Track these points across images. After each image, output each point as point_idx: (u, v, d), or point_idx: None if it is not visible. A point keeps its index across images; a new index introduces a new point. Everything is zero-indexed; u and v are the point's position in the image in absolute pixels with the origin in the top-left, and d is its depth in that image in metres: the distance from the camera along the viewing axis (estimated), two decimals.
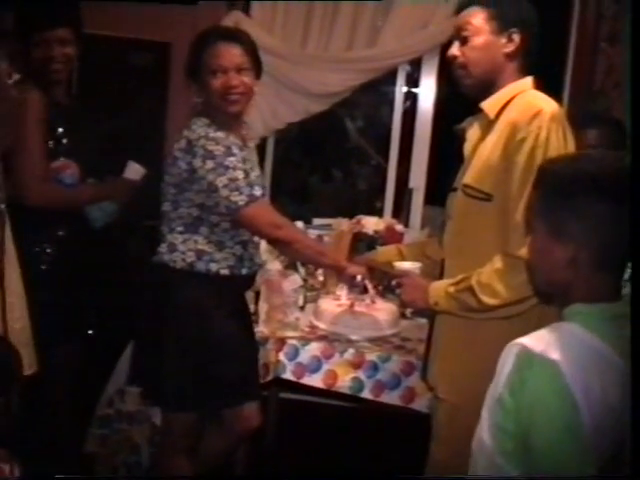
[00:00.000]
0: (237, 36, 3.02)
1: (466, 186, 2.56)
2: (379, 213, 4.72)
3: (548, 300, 2.12)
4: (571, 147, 2.45)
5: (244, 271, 3.04)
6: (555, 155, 2.28)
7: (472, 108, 2.68)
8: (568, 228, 1.73)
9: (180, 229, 2.96)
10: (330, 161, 6.05)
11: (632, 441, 1.56)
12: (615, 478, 1.70)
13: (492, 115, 2.57)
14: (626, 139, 3.52)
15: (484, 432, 1.76)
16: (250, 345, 3.19)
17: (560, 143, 2.41)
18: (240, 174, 2.87)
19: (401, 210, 4.69)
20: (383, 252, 3.20)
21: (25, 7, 3.28)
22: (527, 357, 1.66)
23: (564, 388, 1.60)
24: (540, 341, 1.68)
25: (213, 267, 2.96)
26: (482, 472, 1.76)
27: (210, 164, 2.85)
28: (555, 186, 1.76)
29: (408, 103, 4.74)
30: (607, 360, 1.66)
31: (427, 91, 4.67)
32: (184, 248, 2.95)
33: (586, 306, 1.74)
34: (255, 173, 3.03)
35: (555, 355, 1.62)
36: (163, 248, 2.99)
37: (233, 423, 3.16)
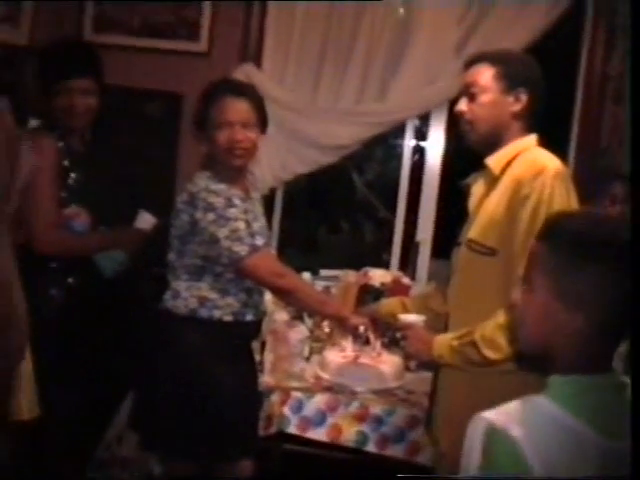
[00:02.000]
0: (244, 91, 3.06)
1: (471, 241, 2.59)
2: (386, 266, 4.72)
3: (529, 366, 2.09)
4: (574, 204, 2.48)
5: (248, 317, 3.04)
6: None
7: (479, 163, 2.71)
8: (580, 294, 1.55)
9: (185, 277, 2.98)
10: (338, 213, 6.10)
11: (632, 441, 1.53)
12: (615, 478, 1.64)
13: (497, 171, 2.60)
14: None
15: None
16: (251, 398, 3.17)
17: (564, 200, 2.44)
18: (241, 225, 2.91)
19: (408, 263, 4.70)
20: (387, 304, 3.20)
21: (50, 56, 3.34)
22: (491, 432, 1.54)
23: (524, 467, 1.47)
24: (504, 416, 1.55)
25: (216, 314, 2.97)
26: None
27: (211, 216, 2.88)
28: (574, 245, 1.57)
29: (416, 157, 4.77)
30: (579, 437, 1.51)
31: (435, 145, 4.70)
32: (187, 295, 2.97)
33: (562, 378, 1.59)
34: (258, 223, 3.06)
35: (517, 432, 1.50)
36: (167, 295, 3.01)
37: (225, 477, 3.15)
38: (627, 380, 1.63)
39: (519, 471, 1.48)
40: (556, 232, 1.62)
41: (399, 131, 4.75)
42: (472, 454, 1.59)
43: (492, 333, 2.46)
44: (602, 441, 1.52)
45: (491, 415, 1.56)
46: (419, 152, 4.78)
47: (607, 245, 1.55)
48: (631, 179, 1.66)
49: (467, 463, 1.61)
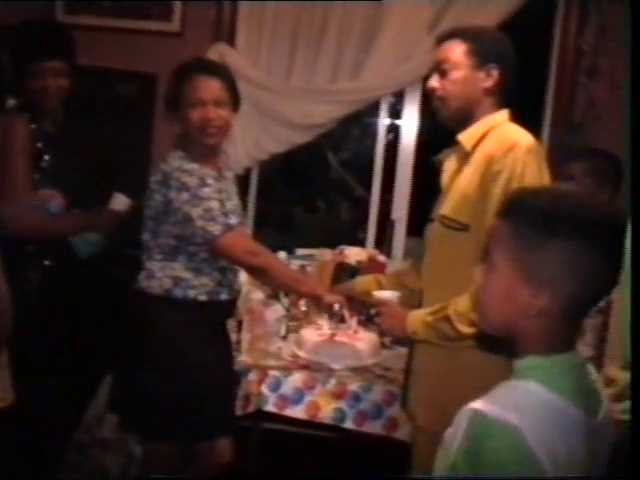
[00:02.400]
0: (217, 70, 3.07)
1: (443, 217, 2.60)
2: (362, 244, 4.74)
3: (490, 346, 2.06)
4: (546, 180, 2.49)
5: (223, 297, 3.05)
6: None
7: (453, 139, 2.72)
8: (545, 273, 1.50)
9: (159, 257, 2.98)
10: (313, 192, 6.09)
11: (632, 441, 1.55)
12: (615, 478, 1.67)
13: (468, 147, 2.61)
14: (620, 173, 3.56)
15: None
16: (227, 376, 3.19)
17: (535, 176, 2.44)
18: (215, 204, 2.91)
19: (384, 241, 4.71)
20: (361, 282, 3.20)
21: (21, 37, 3.32)
22: (484, 423, 1.45)
23: (527, 454, 1.42)
24: (496, 404, 1.47)
25: (191, 293, 2.98)
26: None
27: (185, 196, 2.88)
28: (537, 222, 1.51)
29: (391, 135, 4.78)
30: (570, 417, 1.50)
31: (409, 123, 4.71)
32: (161, 275, 2.98)
33: (542, 360, 1.54)
34: (232, 203, 3.07)
35: (514, 419, 1.43)
36: (142, 275, 3.01)
37: (205, 456, 3.17)
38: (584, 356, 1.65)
39: (524, 460, 1.42)
40: (518, 209, 1.56)
41: (374, 109, 4.75)
42: (454, 444, 1.51)
43: (465, 308, 2.47)
44: (585, 418, 1.52)
45: (480, 405, 1.49)
46: (394, 130, 4.79)
47: (569, 220, 1.49)
48: (631, 179, 1.64)
49: (447, 452, 1.54)
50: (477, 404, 1.49)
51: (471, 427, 1.47)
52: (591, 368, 1.65)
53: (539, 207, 1.53)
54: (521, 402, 1.48)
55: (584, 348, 2.95)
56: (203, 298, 3.00)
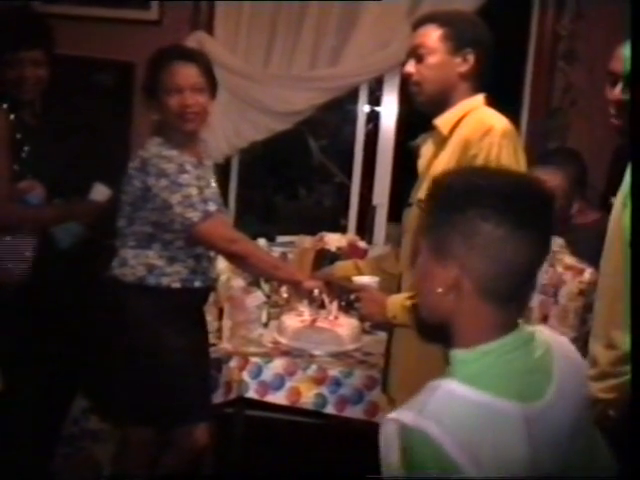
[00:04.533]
0: (193, 56, 3.07)
1: (420, 201, 2.60)
2: (343, 230, 4.75)
3: (430, 336, 2.02)
4: (522, 163, 2.50)
5: (197, 284, 3.06)
6: None
7: (431, 124, 2.72)
8: (452, 247, 1.52)
9: (132, 244, 2.99)
10: (294, 179, 6.09)
11: (632, 441, 1.55)
12: (615, 478, 1.66)
13: (445, 132, 2.61)
14: (585, 172, 3.60)
15: None
16: (202, 362, 3.20)
17: (511, 160, 2.45)
18: (194, 191, 2.92)
19: (365, 227, 4.73)
20: (341, 267, 3.20)
21: None
22: (406, 434, 1.44)
23: (443, 458, 1.39)
24: (413, 411, 1.45)
25: (164, 281, 2.99)
26: None
27: (163, 182, 2.89)
28: (444, 199, 1.55)
29: (371, 121, 4.79)
30: (499, 414, 1.46)
31: (389, 109, 4.71)
32: (135, 262, 2.98)
33: (468, 353, 1.53)
34: (210, 190, 3.07)
35: (427, 425, 1.41)
36: (115, 262, 3.02)
37: (182, 442, 3.17)
38: (532, 329, 1.61)
39: (441, 464, 1.40)
40: (433, 191, 1.61)
41: (353, 96, 4.74)
42: (390, 457, 1.48)
43: None
44: (523, 407, 1.48)
45: (398, 414, 1.48)
46: (373, 117, 4.79)
47: (472, 191, 1.52)
48: (632, 178, 1.65)
49: (387, 467, 1.51)
50: (395, 414, 1.48)
51: (399, 440, 1.45)
52: (540, 339, 1.61)
53: (448, 184, 1.57)
54: (440, 406, 1.46)
55: (566, 330, 2.98)
56: (177, 285, 3.01)
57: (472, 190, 1.52)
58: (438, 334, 1.63)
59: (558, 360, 1.61)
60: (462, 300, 1.52)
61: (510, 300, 1.55)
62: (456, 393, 1.47)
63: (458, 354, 1.55)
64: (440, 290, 1.54)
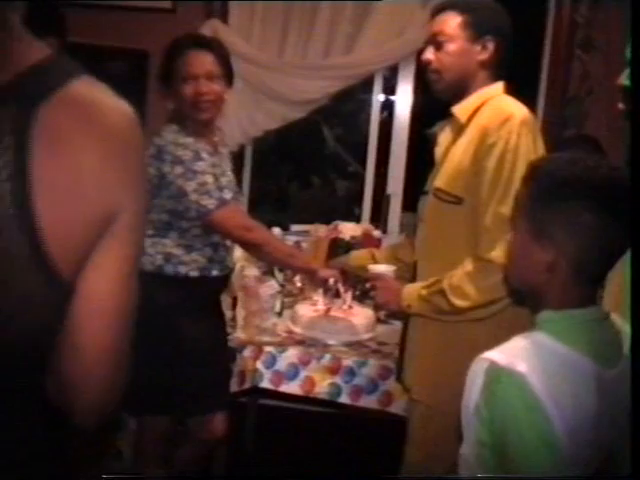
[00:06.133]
0: (209, 44, 3.04)
1: (437, 189, 2.59)
2: (357, 219, 4.73)
3: (520, 301, 2.13)
4: (541, 152, 2.48)
5: (214, 273, 3.04)
6: (525, 160, 2.29)
7: (447, 113, 2.70)
8: (552, 232, 1.65)
9: (150, 233, 2.96)
10: (308, 168, 6.08)
11: (632, 441, 1.54)
12: (615, 478, 1.68)
13: (463, 119, 2.59)
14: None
15: (465, 448, 1.70)
16: (220, 351, 3.19)
17: (530, 148, 2.43)
18: (209, 178, 2.90)
19: (379, 216, 4.71)
20: (356, 256, 3.20)
21: None
22: (495, 371, 1.58)
23: (533, 400, 1.53)
24: (507, 354, 1.61)
25: (182, 270, 2.97)
26: None
27: (179, 169, 2.87)
28: (546, 186, 1.67)
29: (385, 110, 4.76)
30: (579, 368, 1.60)
31: (404, 98, 4.68)
32: (153, 251, 2.96)
33: (555, 313, 1.67)
34: (226, 178, 3.05)
35: (522, 367, 1.55)
36: None
37: (198, 432, 3.18)
38: (608, 311, 1.76)
39: (529, 406, 1.54)
40: (534, 175, 1.71)
41: (368, 85, 4.72)
42: (472, 394, 1.64)
43: (460, 281, 2.47)
44: (598, 369, 1.62)
45: (492, 354, 1.62)
46: (388, 105, 4.77)
47: (572, 183, 1.63)
48: (631, 179, 1.66)
49: (467, 403, 1.66)
50: (491, 354, 1.62)
51: (486, 376, 1.60)
52: (616, 323, 1.75)
53: (551, 172, 1.68)
54: (529, 351, 1.61)
55: None
56: (194, 274, 2.99)
57: (574, 182, 1.63)
58: (526, 299, 1.87)
59: (625, 345, 1.72)
60: (555, 277, 1.67)
61: (597, 280, 1.73)
62: (543, 343, 1.64)
63: (545, 314, 1.69)
64: (537, 268, 1.68)
